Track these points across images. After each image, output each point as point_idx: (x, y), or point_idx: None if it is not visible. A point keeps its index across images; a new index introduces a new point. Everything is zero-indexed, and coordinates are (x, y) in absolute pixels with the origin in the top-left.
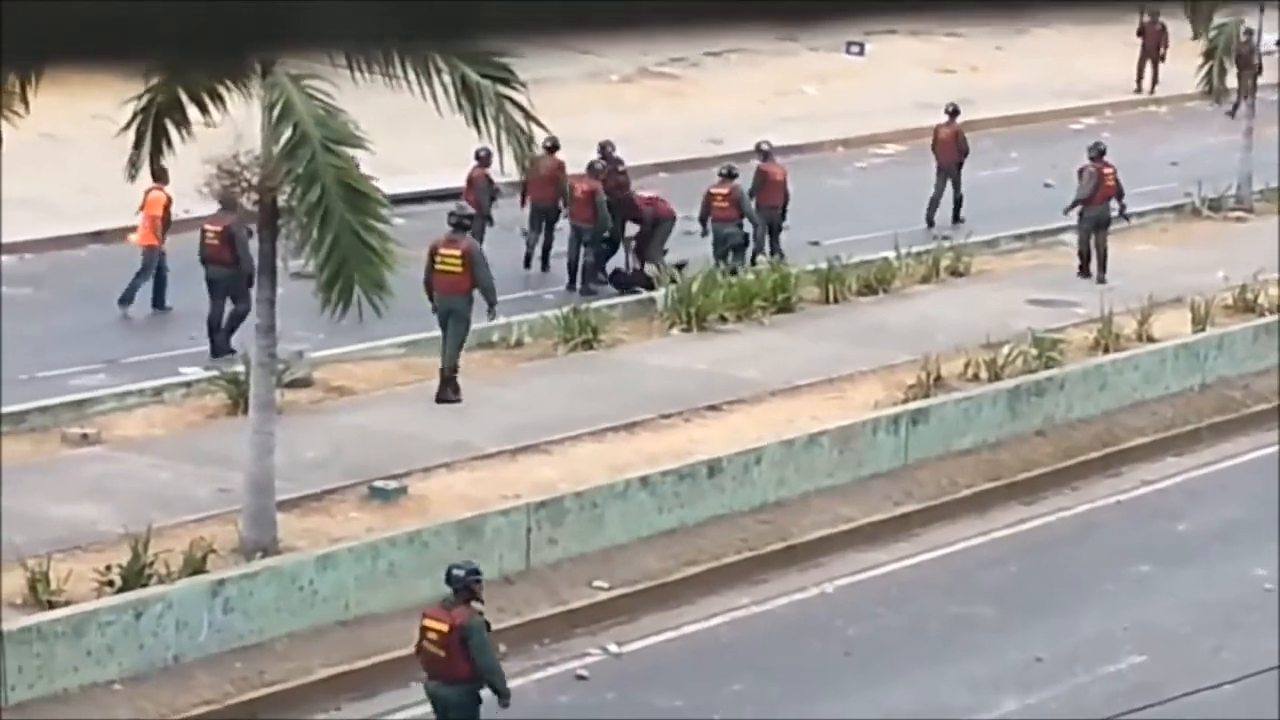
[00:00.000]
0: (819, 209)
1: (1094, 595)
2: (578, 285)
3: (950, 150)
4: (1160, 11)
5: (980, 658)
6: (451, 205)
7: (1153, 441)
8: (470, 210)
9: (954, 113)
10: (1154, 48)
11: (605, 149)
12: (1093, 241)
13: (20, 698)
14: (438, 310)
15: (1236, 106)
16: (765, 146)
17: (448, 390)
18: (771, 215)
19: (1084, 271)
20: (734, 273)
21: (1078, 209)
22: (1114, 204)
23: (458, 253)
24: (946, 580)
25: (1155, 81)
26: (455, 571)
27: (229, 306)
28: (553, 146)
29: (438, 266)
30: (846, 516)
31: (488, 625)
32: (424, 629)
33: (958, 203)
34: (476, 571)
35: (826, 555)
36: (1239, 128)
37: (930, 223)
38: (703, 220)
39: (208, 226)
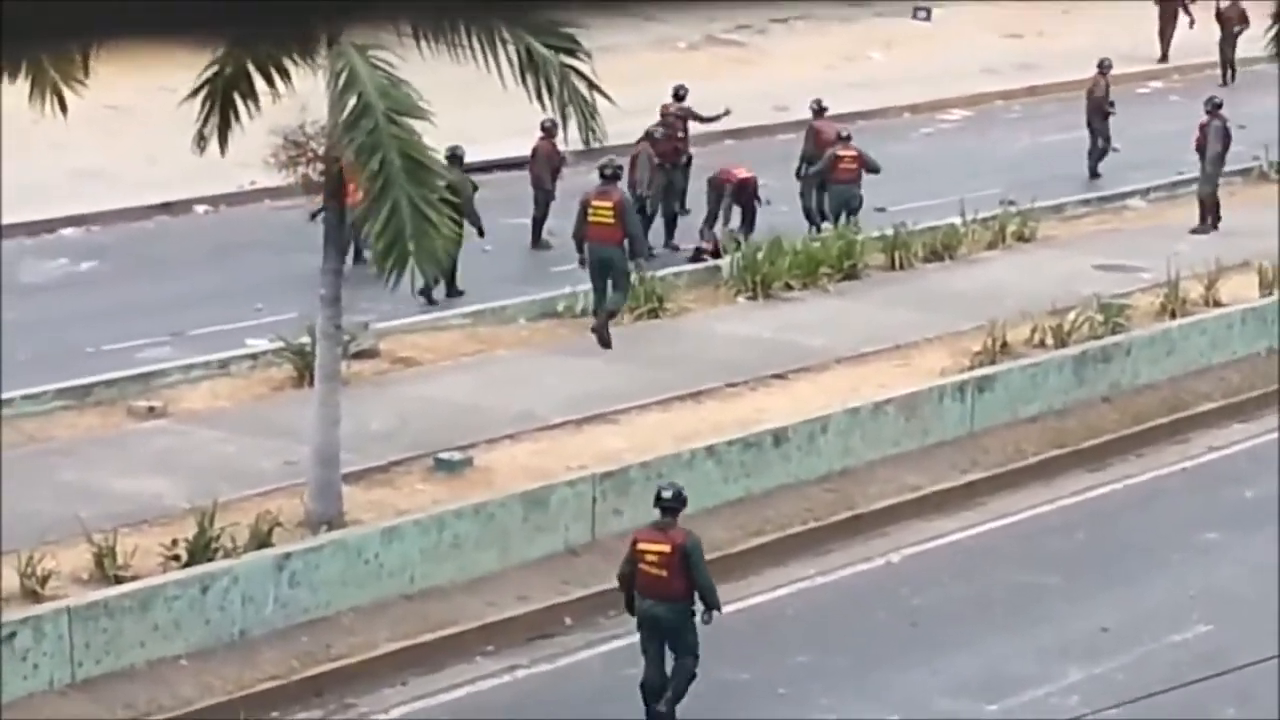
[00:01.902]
0: (885, 175)
1: (1161, 563)
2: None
3: (1095, 102)
4: None
5: (1047, 627)
6: (519, 174)
7: (1220, 407)
8: (620, 161)
9: (1104, 67)
10: (1172, 15)
11: (678, 92)
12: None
13: (88, 673)
14: (589, 261)
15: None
16: (816, 105)
17: (605, 334)
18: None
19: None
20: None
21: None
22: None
23: (609, 204)
24: (1013, 549)
25: (1167, 48)
26: (664, 494)
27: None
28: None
29: (590, 218)
30: (913, 485)
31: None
32: (640, 552)
33: (1101, 155)
34: (680, 491)
35: (892, 524)
36: None
37: (1094, 174)
38: (822, 180)
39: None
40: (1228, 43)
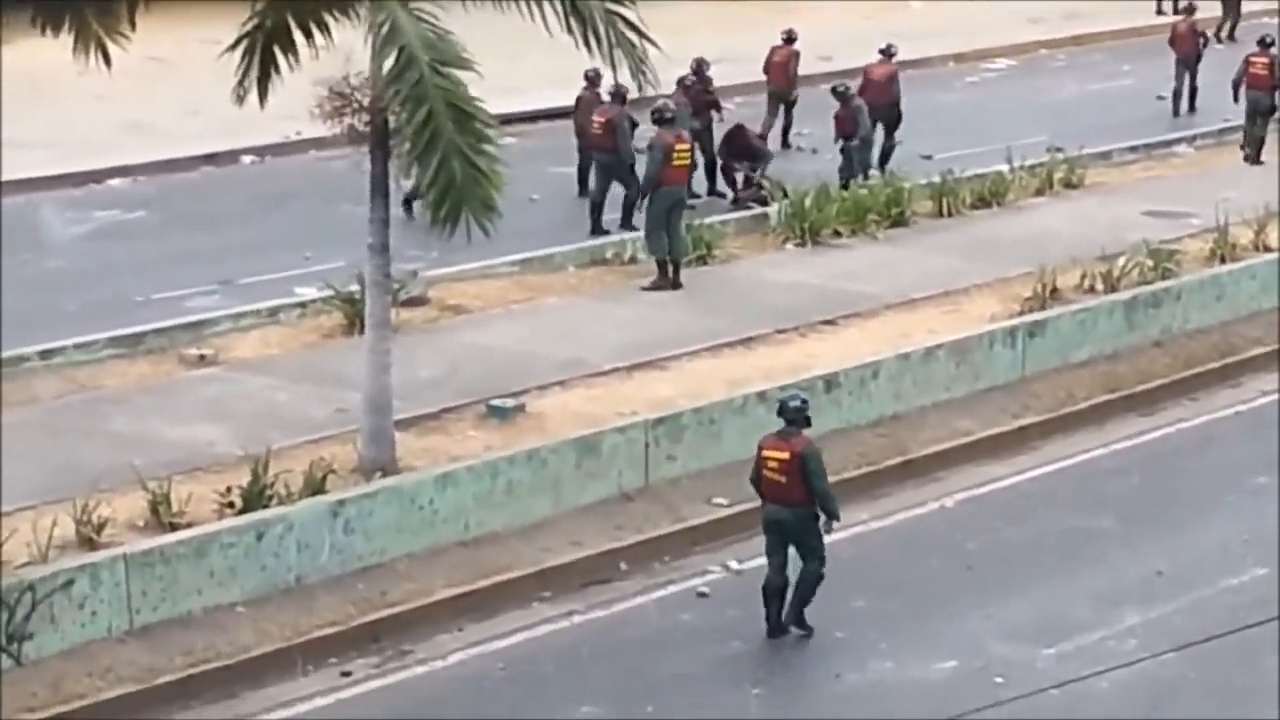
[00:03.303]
0: (931, 124)
1: (1214, 507)
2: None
3: (1188, 43)
4: None
5: (1101, 571)
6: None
7: (1271, 351)
8: (671, 105)
9: (1190, 10)
10: None
11: (700, 66)
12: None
13: (145, 620)
14: (660, 203)
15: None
16: (886, 49)
17: (677, 278)
18: (876, 112)
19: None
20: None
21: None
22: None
23: (687, 146)
24: (1066, 493)
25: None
26: (791, 404)
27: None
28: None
29: (675, 161)
30: (964, 430)
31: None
32: (764, 458)
33: (1193, 93)
34: (804, 401)
35: (945, 469)
36: None
37: (1176, 112)
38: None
39: (595, 117)
40: None
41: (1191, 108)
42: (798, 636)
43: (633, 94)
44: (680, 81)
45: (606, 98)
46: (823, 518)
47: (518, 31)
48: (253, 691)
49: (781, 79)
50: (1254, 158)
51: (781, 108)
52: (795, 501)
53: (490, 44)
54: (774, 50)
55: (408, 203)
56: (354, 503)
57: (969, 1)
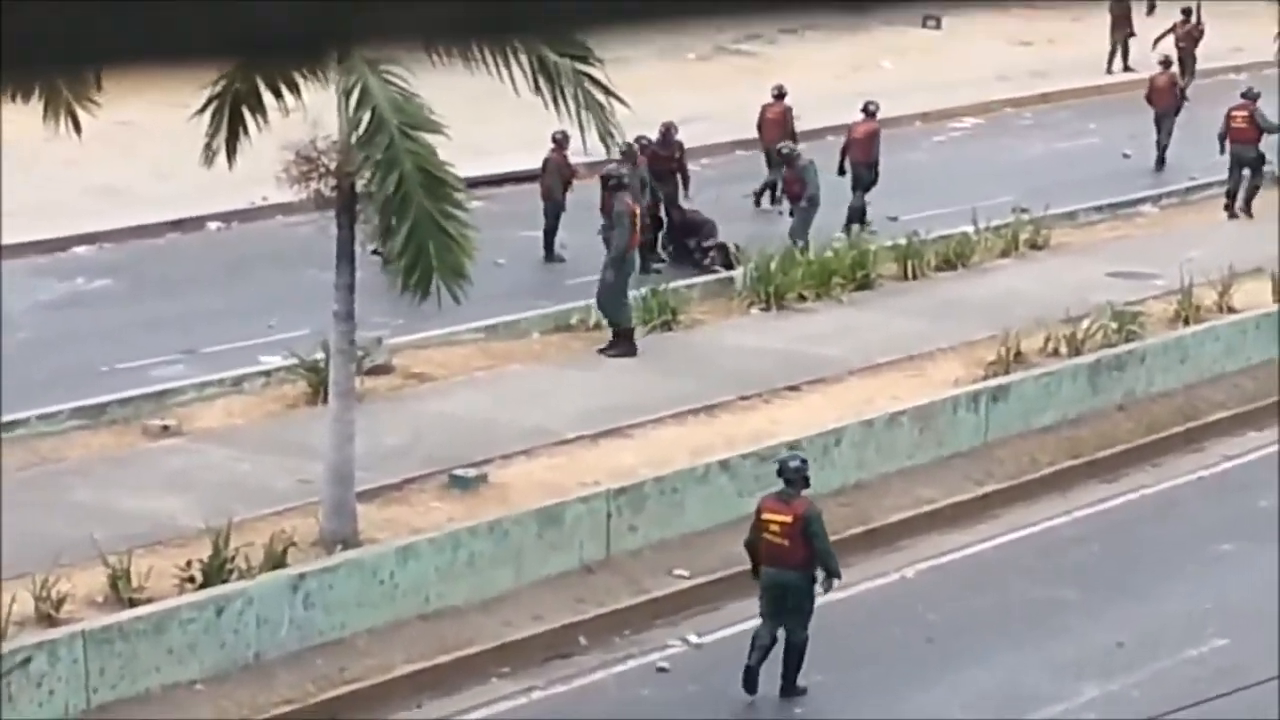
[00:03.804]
0: (897, 184)
1: (1176, 575)
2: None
3: (1167, 97)
4: None
5: (1063, 641)
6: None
7: (1234, 415)
8: (623, 171)
9: (1168, 63)
10: (1124, 26)
11: (669, 130)
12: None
13: (103, 699)
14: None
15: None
16: (868, 107)
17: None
18: (856, 170)
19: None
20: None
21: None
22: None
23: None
24: (1029, 562)
25: (1125, 59)
26: (791, 464)
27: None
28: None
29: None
30: (927, 498)
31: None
32: (765, 522)
33: (1163, 149)
34: (804, 461)
35: (907, 538)
36: None
37: (1160, 166)
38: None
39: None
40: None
41: (1159, 164)
42: (749, 703)
43: (602, 155)
44: (637, 141)
45: (575, 160)
46: (821, 577)
47: (484, 93)
48: None
49: (776, 136)
50: (1245, 209)
51: (772, 166)
52: (796, 564)
53: (456, 105)
54: (766, 107)
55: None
56: (314, 576)
57: (938, 60)
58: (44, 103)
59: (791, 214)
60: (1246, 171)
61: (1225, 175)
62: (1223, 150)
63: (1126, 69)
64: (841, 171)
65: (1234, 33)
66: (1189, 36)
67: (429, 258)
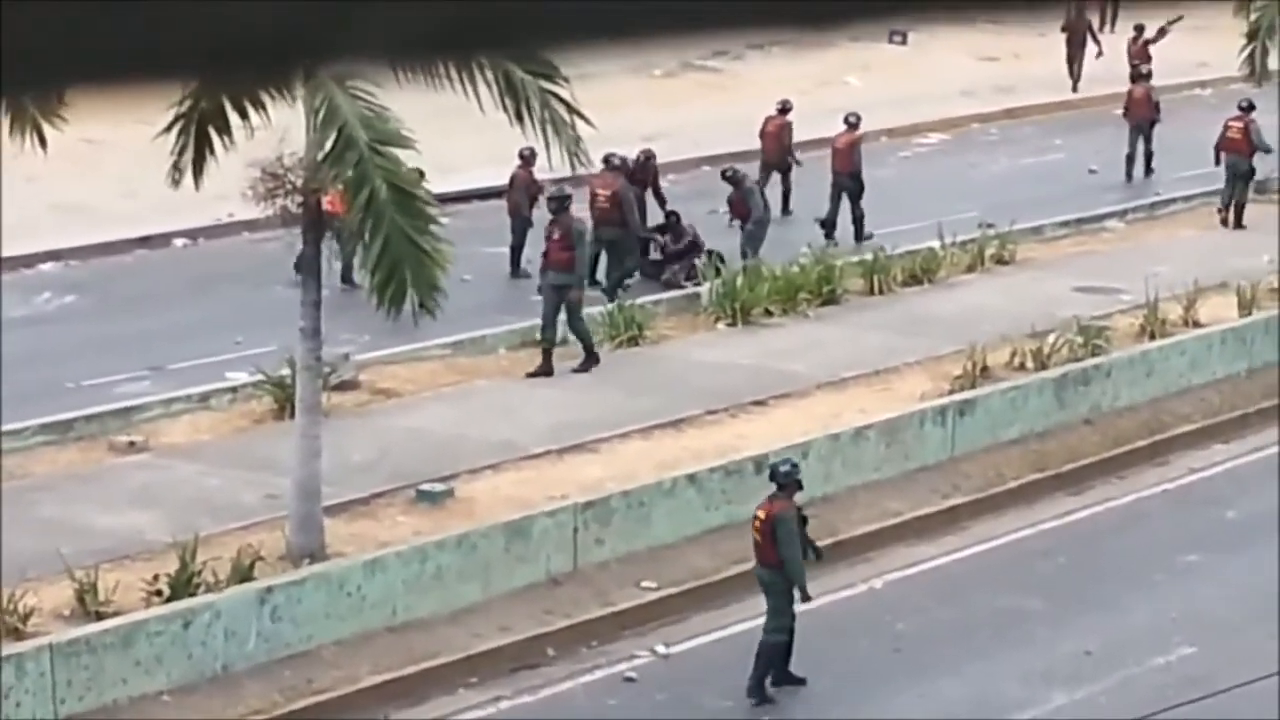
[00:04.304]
0: (864, 199)
1: (1143, 586)
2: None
3: (1144, 108)
4: (1085, 8)
5: (1030, 651)
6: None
7: (1200, 428)
8: (568, 191)
9: (1148, 75)
10: (1080, 44)
11: (649, 157)
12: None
13: (70, 710)
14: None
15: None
16: (849, 119)
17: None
18: (839, 180)
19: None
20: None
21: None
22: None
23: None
24: (995, 573)
25: (1077, 79)
26: (780, 467)
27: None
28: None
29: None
30: (894, 511)
31: (804, 520)
32: (754, 516)
33: (1148, 157)
34: (792, 464)
35: (875, 550)
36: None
37: (1129, 178)
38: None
39: (600, 190)
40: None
41: (1148, 171)
42: (717, 712)
43: (565, 172)
44: (605, 160)
45: (541, 176)
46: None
47: (449, 108)
48: None
49: (774, 148)
50: (1235, 222)
51: (778, 176)
52: (768, 562)
53: (422, 121)
54: (768, 120)
55: (346, 275)
56: (282, 589)
57: (904, 76)
58: (9, 119)
59: (741, 239)
60: (1239, 183)
61: (1194, 190)
62: (1218, 161)
63: (1075, 89)
64: (836, 185)
65: (1199, 47)
66: (1141, 54)
67: (403, 273)
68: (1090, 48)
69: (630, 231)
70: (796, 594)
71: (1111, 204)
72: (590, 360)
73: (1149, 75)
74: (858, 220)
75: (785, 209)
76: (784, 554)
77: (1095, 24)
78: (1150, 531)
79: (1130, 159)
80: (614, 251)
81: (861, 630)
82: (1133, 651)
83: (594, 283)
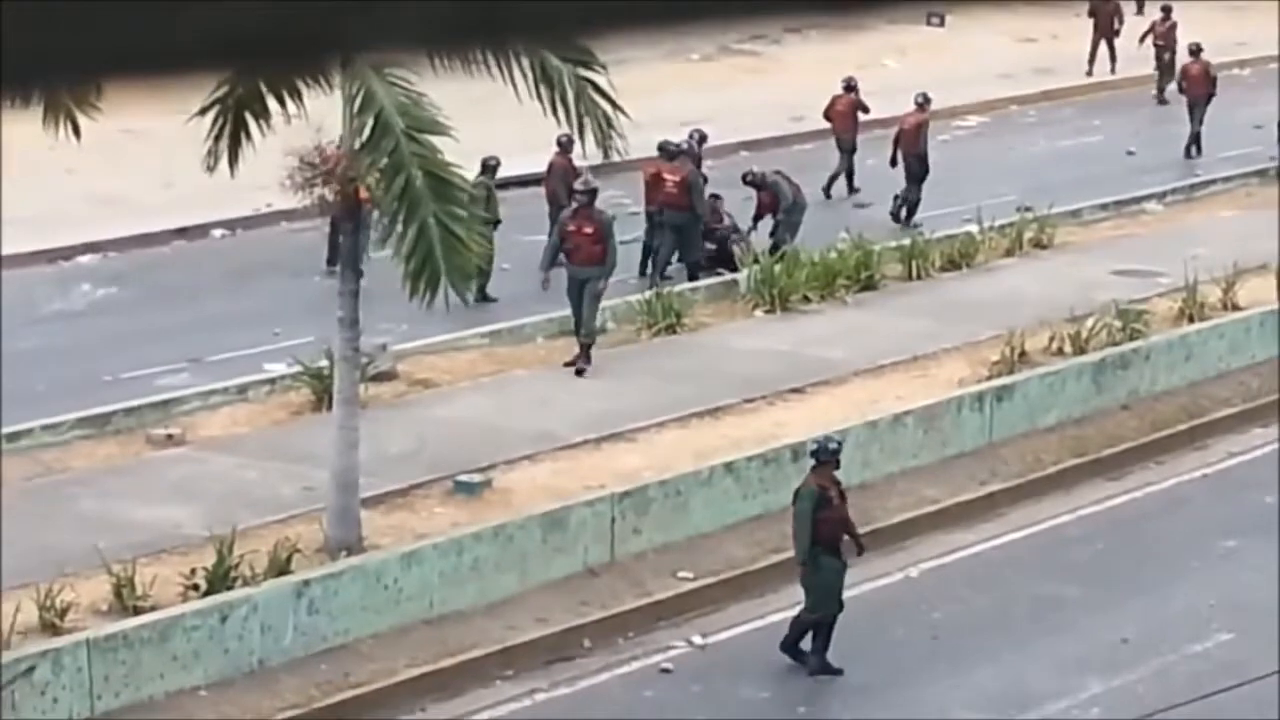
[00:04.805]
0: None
1: (1181, 572)
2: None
3: (1200, 85)
4: None
5: (1067, 638)
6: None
7: (1239, 412)
8: (595, 182)
9: (1198, 51)
10: (1107, 27)
11: (701, 138)
12: None
13: (107, 706)
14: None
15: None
16: (919, 98)
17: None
18: (906, 162)
19: None
20: None
21: None
22: None
23: (591, 227)
24: (1033, 560)
25: (1113, 60)
26: (828, 444)
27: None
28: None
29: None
30: (932, 498)
31: (824, 499)
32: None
33: (1196, 137)
34: (837, 442)
35: (912, 538)
36: None
37: (1188, 154)
38: None
39: (666, 175)
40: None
41: (1197, 151)
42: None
43: (599, 160)
44: (660, 147)
45: (580, 163)
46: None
47: (486, 95)
48: None
49: (845, 126)
50: None
51: (843, 155)
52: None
53: (459, 108)
54: (836, 99)
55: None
56: (319, 583)
57: (941, 58)
58: (44, 109)
59: (773, 230)
60: None
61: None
62: None
63: (1095, 71)
64: (894, 163)
65: (1238, 28)
66: (1167, 35)
67: (436, 261)
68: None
69: (698, 217)
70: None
71: (1150, 186)
72: (586, 359)
73: (1200, 50)
74: (913, 204)
75: (851, 188)
76: (795, 526)
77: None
78: (1189, 517)
79: (1194, 135)
80: (683, 236)
81: (898, 618)
82: (1170, 638)
83: (656, 272)
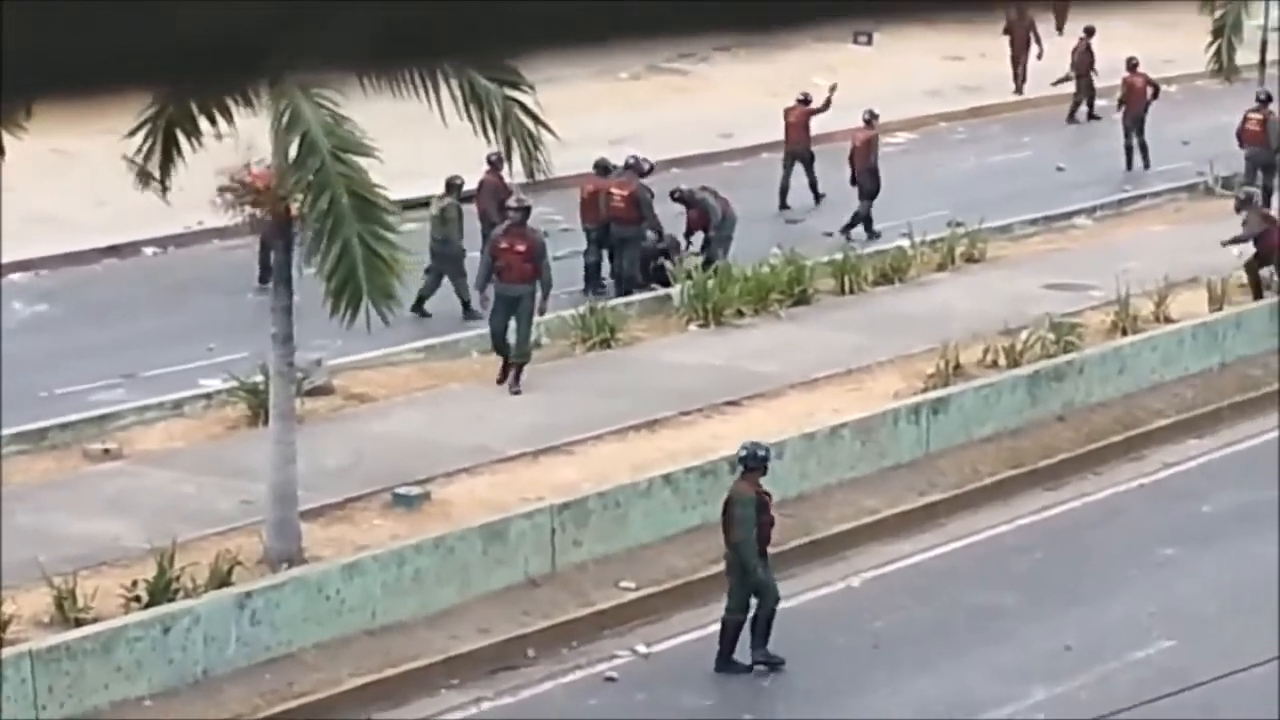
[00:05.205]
0: (832, 200)
1: (1120, 580)
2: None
3: (1142, 97)
4: (1025, 9)
5: (1009, 647)
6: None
7: (1173, 423)
8: (528, 201)
9: (1135, 64)
10: (1023, 45)
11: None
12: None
13: (52, 716)
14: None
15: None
16: (867, 115)
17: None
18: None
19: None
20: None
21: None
22: None
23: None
24: (973, 569)
25: (1023, 80)
26: (757, 451)
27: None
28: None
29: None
30: (870, 508)
31: (763, 505)
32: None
33: (1144, 149)
34: (764, 448)
35: (851, 548)
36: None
37: (1130, 166)
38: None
39: (613, 189)
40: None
41: (1145, 162)
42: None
43: (522, 178)
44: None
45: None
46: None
47: (417, 114)
48: None
49: (799, 138)
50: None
51: (798, 166)
52: (728, 541)
53: (389, 127)
54: (789, 110)
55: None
56: (260, 594)
57: (870, 76)
58: None
59: (704, 246)
60: (1260, 173)
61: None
62: (1242, 147)
63: (1018, 91)
64: (854, 181)
65: (1165, 44)
66: (1084, 58)
67: (359, 280)
68: (1034, 49)
69: (643, 230)
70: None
71: (1079, 201)
72: (519, 375)
73: (1137, 63)
74: (861, 218)
75: (816, 198)
76: (737, 534)
77: (1053, 24)
78: (1126, 526)
79: (1129, 149)
80: (627, 249)
81: (839, 628)
82: (1111, 646)
83: (597, 288)
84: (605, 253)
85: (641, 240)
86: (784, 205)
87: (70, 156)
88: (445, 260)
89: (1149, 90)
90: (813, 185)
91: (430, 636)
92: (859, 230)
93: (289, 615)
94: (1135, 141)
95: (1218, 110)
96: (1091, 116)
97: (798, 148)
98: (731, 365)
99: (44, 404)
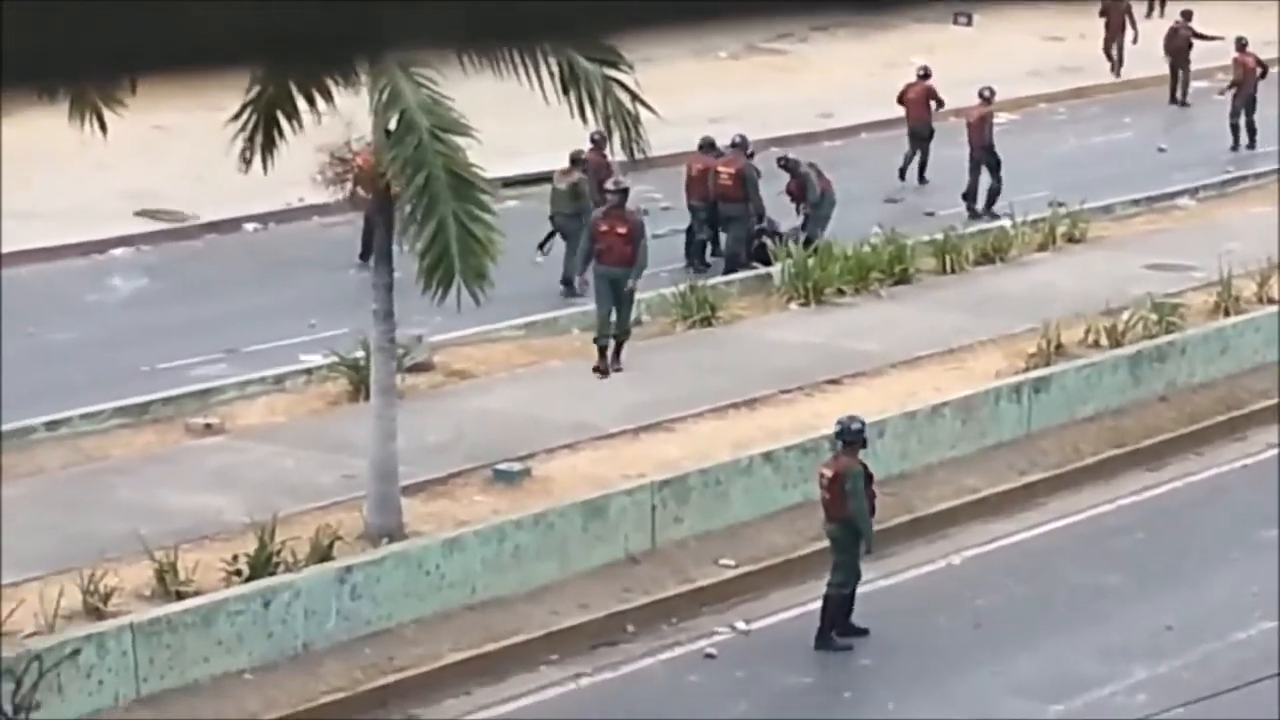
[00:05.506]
0: (932, 180)
1: (1222, 561)
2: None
3: (1253, 76)
4: None
5: (1110, 626)
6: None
7: (1277, 404)
8: (626, 182)
9: (1245, 44)
10: (1118, 28)
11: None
12: None
13: (152, 689)
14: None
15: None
16: (983, 92)
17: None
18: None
19: None
20: None
21: None
22: None
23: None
24: (1074, 549)
25: (1120, 63)
26: (851, 425)
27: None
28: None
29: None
30: (971, 487)
31: (869, 476)
32: (819, 475)
33: (1250, 126)
34: (861, 423)
35: (952, 527)
36: None
37: (1235, 146)
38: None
39: (720, 168)
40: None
41: (1252, 143)
42: (796, 688)
43: (623, 157)
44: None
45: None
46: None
47: (516, 94)
48: None
49: (919, 114)
50: None
51: (916, 142)
52: (836, 518)
53: (489, 106)
54: (908, 86)
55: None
56: (361, 569)
57: (969, 57)
58: (70, 105)
59: (803, 225)
60: None
61: (1266, 167)
62: None
63: (1115, 73)
64: (973, 158)
65: (1265, 25)
66: (1180, 39)
67: (451, 259)
68: (1129, 32)
69: (751, 208)
70: (863, 547)
71: (1181, 182)
72: (619, 352)
73: (1246, 41)
74: (991, 193)
75: (921, 178)
76: (853, 507)
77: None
78: (1229, 507)
79: (1235, 128)
80: (734, 228)
81: (940, 606)
82: (1213, 626)
83: (700, 266)
84: (713, 232)
85: (748, 219)
86: (922, 179)
87: (172, 133)
88: (574, 234)
89: (1259, 70)
90: (922, 165)
91: (530, 612)
92: (967, 207)
93: (389, 590)
94: (1244, 120)
95: None
96: (1182, 103)
97: (917, 125)
98: (832, 344)
99: (146, 379)
